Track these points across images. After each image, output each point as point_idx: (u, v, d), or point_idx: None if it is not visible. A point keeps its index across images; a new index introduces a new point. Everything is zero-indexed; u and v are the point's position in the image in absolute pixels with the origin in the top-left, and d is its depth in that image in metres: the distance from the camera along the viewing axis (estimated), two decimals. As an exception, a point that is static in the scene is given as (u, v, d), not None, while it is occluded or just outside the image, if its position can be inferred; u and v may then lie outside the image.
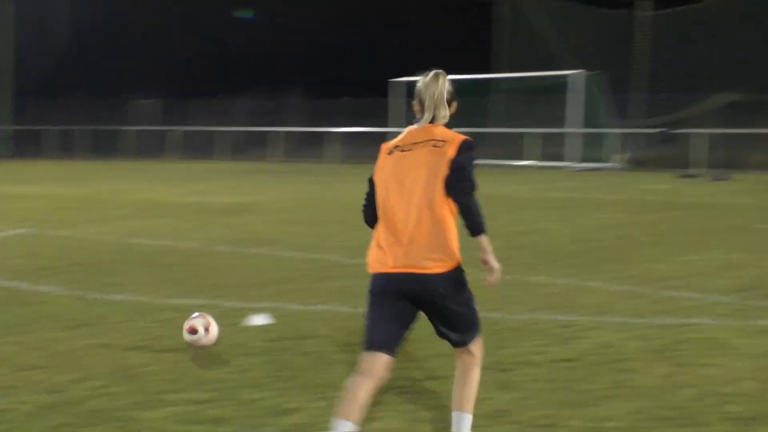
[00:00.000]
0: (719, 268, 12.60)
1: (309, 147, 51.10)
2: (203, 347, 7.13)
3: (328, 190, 28.38)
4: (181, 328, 7.05)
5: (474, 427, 5.70)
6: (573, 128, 42.86)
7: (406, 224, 5.26)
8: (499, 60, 51.44)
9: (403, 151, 5.36)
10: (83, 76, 59.90)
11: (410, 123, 5.58)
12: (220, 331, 7.25)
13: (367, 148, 48.20)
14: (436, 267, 5.25)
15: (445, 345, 7.57)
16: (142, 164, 46.82)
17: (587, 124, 42.93)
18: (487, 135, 49.08)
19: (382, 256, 5.33)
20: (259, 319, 9.18)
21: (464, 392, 5.60)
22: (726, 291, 10.93)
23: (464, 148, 5.29)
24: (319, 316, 9.57)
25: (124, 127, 56.50)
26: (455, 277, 5.33)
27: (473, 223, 5.30)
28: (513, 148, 44.41)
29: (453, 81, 5.54)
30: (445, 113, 5.48)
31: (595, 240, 15.64)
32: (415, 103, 5.53)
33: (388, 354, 5.35)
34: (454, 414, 5.62)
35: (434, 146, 5.29)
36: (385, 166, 5.41)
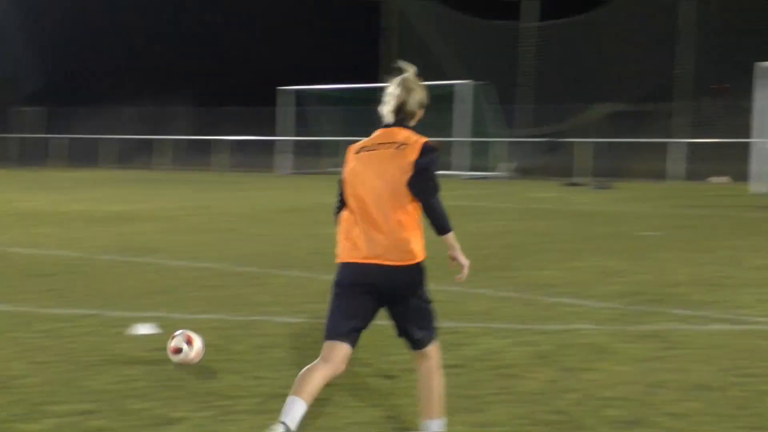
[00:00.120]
0: (602, 275, 12.83)
1: (196, 155, 50.69)
2: (193, 361, 7.13)
3: (215, 199, 28.17)
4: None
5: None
6: (460, 137, 43.25)
7: (372, 220, 5.45)
8: (388, 69, 51.63)
9: (368, 151, 5.58)
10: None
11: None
12: (204, 341, 7.27)
13: (255, 156, 48.06)
14: (401, 260, 5.45)
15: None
16: (25, 173, 45.92)
17: (474, 134, 43.37)
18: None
19: (350, 247, 5.51)
20: (144, 329, 9.06)
21: (431, 400, 5.69)
22: (608, 297, 11.13)
23: (426, 151, 5.48)
24: (206, 325, 9.47)
25: (6, 135, 55.36)
26: (418, 272, 5.55)
27: (438, 223, 5.54)
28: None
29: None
30: (407, 119, 5.68)
31: (482, 247, 15.78)
32: (384, 107, 5.76)
33: (348, 344, 5.53)
34: (423, 423, 5.68)
35: (397, 148, 5.51)
36: (353, 166, 5.60)
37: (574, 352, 8.35)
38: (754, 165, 31.93)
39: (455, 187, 35.73)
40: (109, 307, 10.37)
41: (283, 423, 5.36)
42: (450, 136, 43.50)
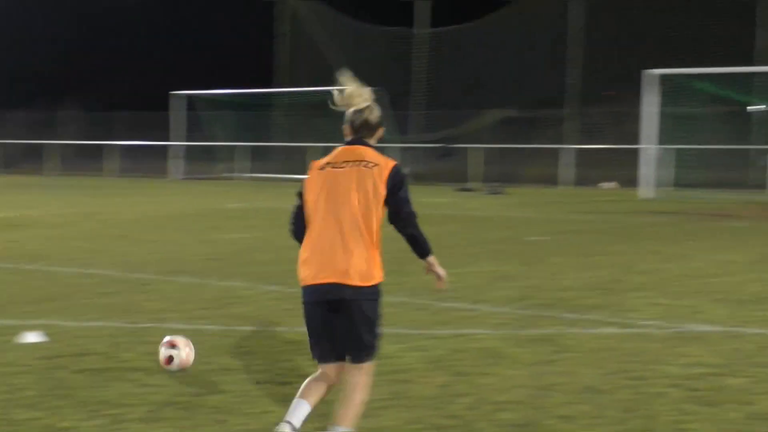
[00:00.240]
0: (494, 280, 12.96)
1: (87, 160, 49.91)
2: (189, 359, 7.00)
3: (106, 205, 27.78)
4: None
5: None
6: (354, 143, 43.29)
7: (334, 238, 5.53)
8: (281, 75, 51.51)
9: (335, 168, 5.65)
10: None
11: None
12: (186, 337, 7.15)
13: (148, 161, 47.50)
14: (359, 281, 5.51)
15: (230, 360, 7.51)
16: None
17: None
18: (271, 149, 49.16)
19: (309, 268, 5.60)
20: (32, 337, 8.89)
21: (348, 410, 5.67)
22: (500, 302, 11.24)
23: (397, 174, 5.63)
24: (96, 333, 9.34)
25: None
26: (374, 294, 5.63)
27: (420, 250, 5.81)
28: (296, 162, 44.51)
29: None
30: (368, 135, 5.82)
31: (375, 253, 15.80)
32: (346, 126, 5.86)
33: (336, 362, 5.73)
34: (331, 427, 5.70)
35: (365, 167, 5.59)
36: (317, 182, 5.67)
37: (466, 356, 8.42)
38: (643, 171, 32.55)
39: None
40: (-4, 316, 10.15)
41: (289, 422, 5.56)
42: (343, 141, 43.49)
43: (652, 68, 32.74)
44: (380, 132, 5.88)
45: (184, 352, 6.97)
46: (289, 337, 9.19)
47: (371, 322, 5.68)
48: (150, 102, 48.84)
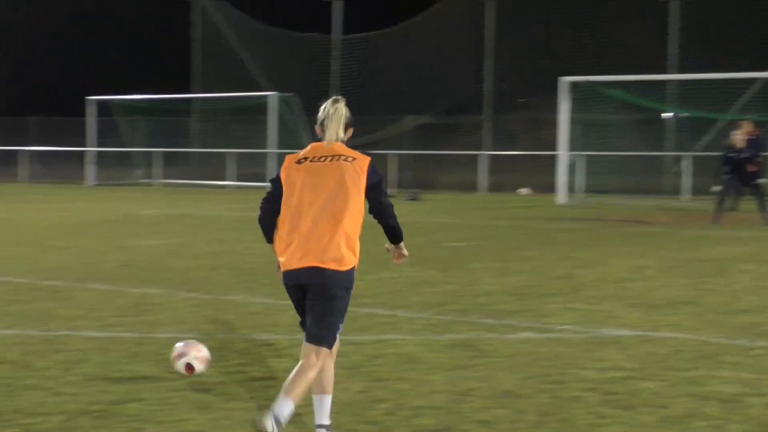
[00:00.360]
0: (412, 285, 13.00)
1: (1, 166, 49.05)
2: (205, 355, 7.32)
3: (20, 211, 27.34)
4: None
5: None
6: (272, 149, 43.19)
7: (311, 225, 5.91)
8: (199, 80, 51.17)
9: (313, 161, 6.03)
10: None
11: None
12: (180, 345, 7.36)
13: (62, 168, 46.84)
14: (333, 264, 5.88)
15: (147, 367, 7.44)
16: None
17: (287, 146, 43.33)
18: (189, 155, 48.81)
19: (291, 253, 5.96)
20: (-57, 346, 8.73)
21: (296, 386, 5.88)
22: (418, 307, 11.28)
23: (375, 170, 6.06)
24: (9, 341, 9.19)
25: None
26: (349, 277, 5.98)
27: (395, 238, 6.39)
28: (214, 168, 44.29)
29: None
30: (342, 134, 6.13)
31: (293, 259, 15.77)
32: (318, 127, 6.20)
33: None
34: (281, 397, 5.83)
35: (345, 161, 5.99)
36: (297, 174, 6.04)
37: (384, 362, 8.43)
38: (559, 177, 32.88)
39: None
40: None
41: (272, 416, 5.68)
42: (263, 147, 43.39)
43: (567, 75, 33.07)
44: (349, 132, 6.21)
45: (195, 352, 7.27)
46: (206, 344, 9.09)
47: (339, 308, 5.99)
48: (65, 107, 48.19)
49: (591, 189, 34.76)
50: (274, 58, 48.36)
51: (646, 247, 18.11)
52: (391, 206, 6.23)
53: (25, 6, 60.04)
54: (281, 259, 6.08)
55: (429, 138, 43.13)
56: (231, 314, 10.75)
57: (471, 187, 39.07)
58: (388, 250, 6.47)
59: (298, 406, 5.95)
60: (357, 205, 6.00)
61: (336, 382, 7.65)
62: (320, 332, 5.97)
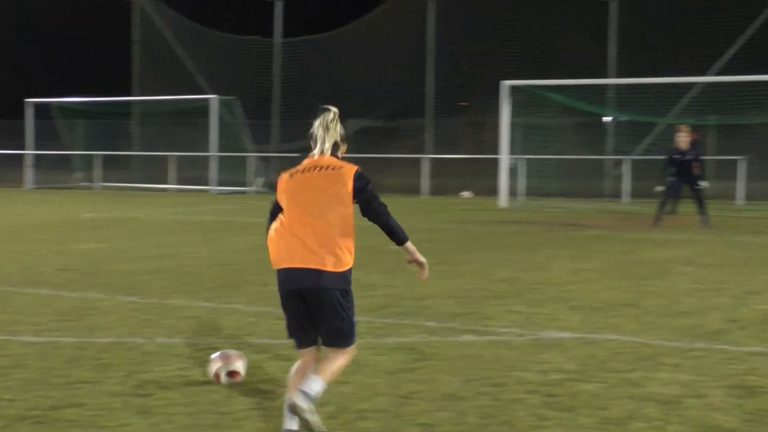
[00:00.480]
0: (354, 288, 12.91)
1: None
2: (240, 360, 7.61)
3: (-43, 214, 26.98)
4: None
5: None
6: (214, 152, 43.02)
7: (307, 231, 6.23)
8: (139, 83, 50.79)
9: (304, 173, 6.39)
10: None
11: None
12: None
13: (1, 171, 46.31)
14: (330, 266, 6.20)
15: (87, 372, 7.38)
16: None
17: (228, 149, 43.19)
18: (129, 158, 48.44)
19: (283, 254, 6.29)
20: None
21: (327, 369, 6.23)
22: (361, 310, 11.20)
23: (361, 176, 6.38)
24: (-54, 347, 9.06)
25: None
26: (346, 277, 6.31)
27: (397, 238, 6.58)
28: (156, 171, 44.02)
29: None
30: (335, 148, 6.50)
31: (235, 263, 15.72)
32: (312, 141, 6.54)
33: (312, 346, 6.42)
34: (312, 375, 6.19)
35: (332, 170, 6.34)
36: (289, 187, 6.42)
37: (327, 365, 8.40)
38: (502, 180, 33.05)
39: (209, 201, 35.50)
40: None
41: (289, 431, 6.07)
42: (205, 150, 43.22)
43: (508, 79, 33.25)
44: (343, 148, 6.59)
45: (236, 361, 7.61)
46: (148, 348, 9.06)
47: (346, 308, 6.34)
48: (4, 109, 47.65)
49: (532, 192, 35.01)
50: (215, 61, 48.17)
51: (587, 250, 18.25)
52: (384, 206, 6.53)
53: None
54: (274, 259, 6.41)
55: (371, 141, 43.16)
56: (172, 318, 10.68)
57: (413, 190, 39.16)
58: (409, 263, 6.71)
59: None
60: (346, 210, 6.35)
61: (278, 386, 7.66)
62: (341, 340, 6.35)
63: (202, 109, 43.35)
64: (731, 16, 38.83)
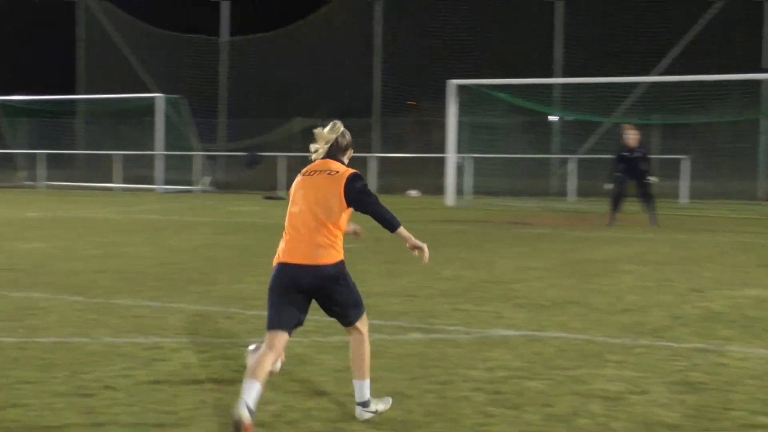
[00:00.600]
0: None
1: None
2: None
3: None
4: None
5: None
6: (160, 151, 42.77)
7: (304, 228, 6.74)
8: (84, 81, 50.34)
9: (305, 175, 6.99)
10: None
11: None
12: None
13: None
14: (325, 259, 6.68)
15: (30, 372, 7.35)
16: None
17: (174, 148, 42.97)
18: (74, 157, 48.01)
19: (285, 250, 6.78)
20: None
21: (362, 365, 6.88)
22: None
23: (354, 178, 6.83)
24: None
25: None
26: (340, 268, 6.76)
27: (389, 224, 6.90)
28: (102, 170, 43.67)
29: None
30: (340, 154, 7.05)
31: (181, 262, 15.64)
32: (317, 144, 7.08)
33: (286, 332, 6.71)
34: (355, 383, 6.86)
35: (329, 174, 6.88)
36: (296, 185, 6.98)
37: (273, 364, 8.39)
38: (449, 179, 33.11)
39: (155, 200, 35.27)
40: None
41: (246, 404, 6.21)
42: (151, 149, 42.96)
43: (455, 78, 33.33)
44: (350, 152, 7.15)
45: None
46: (92, 348, 8.98)
47: (349, 289, 6.83)
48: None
49: (479, 191, 35.15)
50: (161, 59, 47.85)
51: (533, 248, 18.36)
52: (373, 196, 6.88)
53: None
54: (278, 254, 6.86)
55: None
56: (117, 317, 10.60)
57: (361, 189, 39.14)
58: (411, 249, 7.03)
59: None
60: (339, 211, 6.77)
61: (224, 385, 7.63)
62: (350, 316, 6.89)
63: (148, 107, 43.09)
64: (675, 17, 39.24)
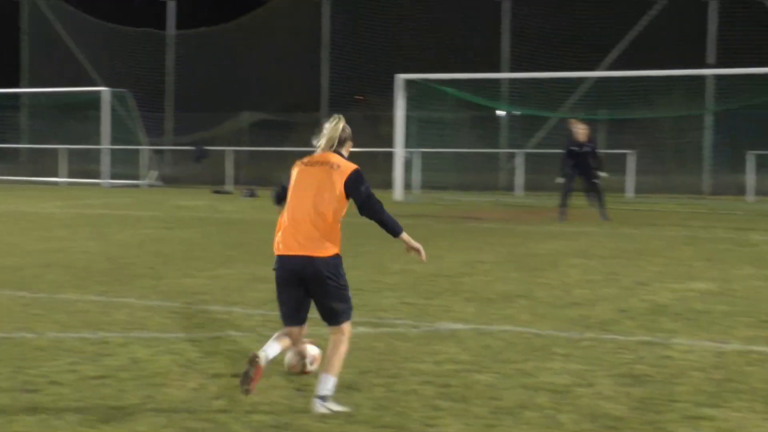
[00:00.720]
0: (249, 282, 12.92)
1: None
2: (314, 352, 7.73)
3: None
4: None
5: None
6: (106, 145, 42.44)
7: (302, 220, 6.98)
8: (29, 75, 49.79)
9: (306, 166, 7.24)
10: None
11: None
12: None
13: None
14: (321, 252, 6.92)
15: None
16: None
17: (121, 142, 42.67)
18: (19, 151, 47.50)
19: (283, 241, 7.04)
20: None
21: (334, 361, 6.95)
22: (255, 304, 11.22)
23: (358, 178, 7.09)
24: None
25: None
26: (336, 262, 6.99)
27: (391, 231, 7.24)
28: (47, 164, 43.26)
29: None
30: (339, 147, 7.31)
31: (128, 257, 15.52)
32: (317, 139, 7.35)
33: (299, 326, 7.20)
34: (322, 376, 6.91)
35: (330, 167, 7.10)
36: (296, 174, 7.25)
37: (220, 359, 8.37)
38: (397, 174, 33.13)
39: (102, 195, 34.99)
40: None
41: (264, 351, 6.89)
42: (97, 143, 42.62)
43: (403, 73, 33.34)
44: (349, 145, 7.41)
45: (312, 359, 7.72)
46: (38, 343, 8.89)
47: (338, 288, 7.02)
48: None
49: (427, 185, 35.22)
50: (107, 53, 47.44)
51: (481, 243, 18.43)
52: (378, 203, 7.14)
53: None
54: (276, 245, 7.12)
55: (266, 134, 43.01)
56: (62, 312, 10.51)
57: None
58: (408, 251, 7.46)
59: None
60: (337, 204, 7.01)
61: (171, 380, 7.59)
62: (337, 316, 7.06)
63: (94, 101, 42.74)
64: (621, 12, 39.51)
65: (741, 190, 34.50)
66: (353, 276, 13.25)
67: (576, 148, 23.70)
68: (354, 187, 7.08)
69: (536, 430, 6.47)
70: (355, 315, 10.41)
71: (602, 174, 23.92)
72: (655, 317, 10.61)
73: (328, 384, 6.84)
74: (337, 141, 7.30)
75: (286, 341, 7.18)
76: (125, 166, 42.43)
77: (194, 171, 42.81)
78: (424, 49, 41.15)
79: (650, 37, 39.26)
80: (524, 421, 6.66)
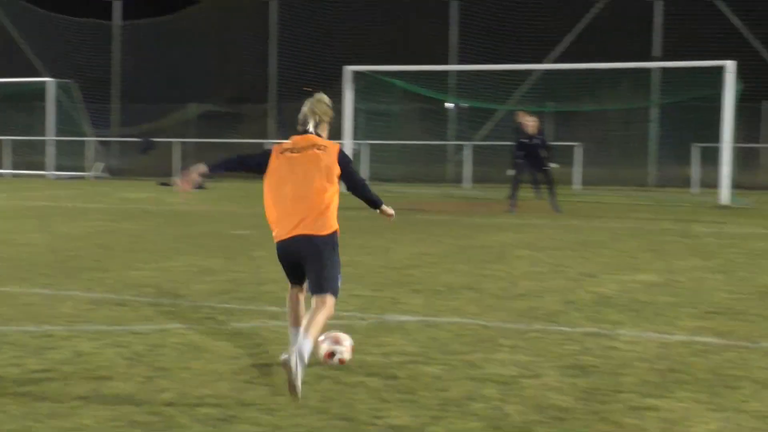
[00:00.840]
0: (195, 274, 12.86)
1: None
2: (347, 359, 7.67)
3: None
4: None
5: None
6: (51, 136, 42.02)
7: (299, 203, 7.30)
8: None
9: (293, 152, 7.45)
10: None
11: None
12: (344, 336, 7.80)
13: None
14: (320, 230, 7.32)
15: None
16: None
17: (66, 133, 42.27)
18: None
19: (280, 227, 7.41)
20: None
21: (313, 324, 7.06)
22: (201, 296, 11.17)
23: (344, 152, 7.50)
24: None
25: None
26: (333, 239, 7.41)
27: (373, 203, 7.88)
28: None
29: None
30: (321, 128, 7.63)
31: (72, 249, 15.39)
32: (300, 122, 7.65)
33: (299, 286, 7.70)
34: (301, 334, 7.05)
35: (318, 149, 7.43)
36: (279, 163, 7.44)
37: (167, 351, 8.31)
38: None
39: (46, 186, 34.66)
40: None
41: (289, 351, 7.08)
42: (42, 134, 42.18)
43: (351, 65, 33.30)
44: (327, 126, 7.68)
45: (347, 350, 7.66)
46: (-21, 337, 8.79)
47: (332, 262, 7.36)
48: None
49: (375, 177, 35.20)
50: (52, 43, 46.94)
51: (428, 234, 18.47)
52: (364, 181, 7.75)
53: None
54: (274, 233, 7.50)
55: (213, 126, 42.81)
56: (5, 306, 10.40)
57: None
58: (380, 213, 8.01)
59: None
60: (331, 185, 7.38)
61: (117, 373, 7.53)
62: (322, 284, 7.29)
63: (39, 92, 42.31)
64: (569, 5, 39.76)
65: (686, 183, 34.87)
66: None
67: (526, 140, 23.84)
68: (346, 162, 7.50)
69: (483, 421, 6.49)
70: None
71: (553, 165, 24.08)
72: (601, 309, 10.69)
73: (303, 346, 6.89)
74: (320, 115, 7.62)
75: (294, 316, 7.64)
76: (71, 157, 42.04)
77: (141, 163, 42.51)
78: (372, 41, 41.13)
79: (597, 29, 39.53)
80: (471, 412, 6.68)
